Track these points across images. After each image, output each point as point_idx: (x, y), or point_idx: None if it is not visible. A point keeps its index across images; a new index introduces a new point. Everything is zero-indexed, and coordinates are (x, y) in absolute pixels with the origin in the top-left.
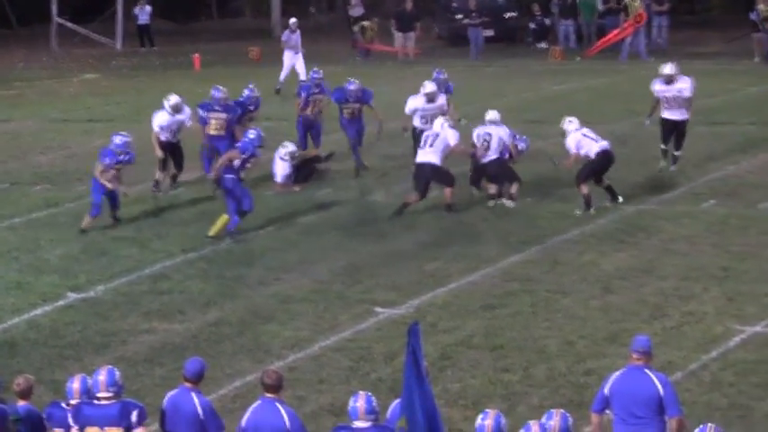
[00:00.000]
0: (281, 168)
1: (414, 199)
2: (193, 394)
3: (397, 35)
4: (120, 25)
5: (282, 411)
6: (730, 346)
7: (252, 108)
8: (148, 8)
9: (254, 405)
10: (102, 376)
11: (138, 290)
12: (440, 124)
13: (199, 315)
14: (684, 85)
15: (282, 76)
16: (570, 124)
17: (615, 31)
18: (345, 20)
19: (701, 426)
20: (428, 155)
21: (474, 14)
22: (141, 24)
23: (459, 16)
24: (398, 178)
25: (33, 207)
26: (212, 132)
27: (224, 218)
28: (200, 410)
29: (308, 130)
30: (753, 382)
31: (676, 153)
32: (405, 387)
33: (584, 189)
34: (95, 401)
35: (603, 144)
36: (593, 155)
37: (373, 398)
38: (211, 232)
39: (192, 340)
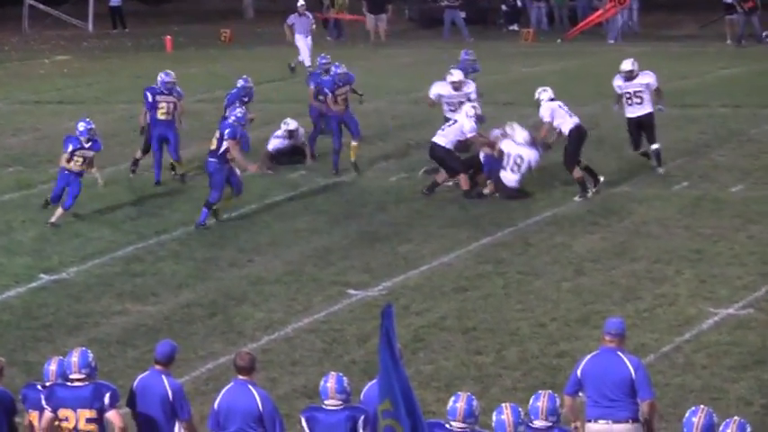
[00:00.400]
0: (272, 143)
1: (442, 178)
2: (164, 377)
3: (369, 17)
4: (92, 7)
5: (255, 393)
6: (703, 329)
7: (246, 99)
8: None
9: (227, 387)
10: (74, 358)
11: (110, 272)
12: (463, 113)
13: (171, 297)
14: (649, 80)
15: (303, 58)
16: (545, 93)
17: (598, 13)
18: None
19: (727, 420)
20: (439, 137)
21: None
22: (113, 6)
23: None
24: (371, 160)
25: (5, 189)
26: (161, 117)
27: (230, 200)
28: (169, 393)
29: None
30: (726, 365)
31: (654, 147)
32: (382, 369)
33: (577, 173)
34: (68, 383)
35: (576, 120)
36: (566, 132)
37: (344, 378)
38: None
39: (165, 322)
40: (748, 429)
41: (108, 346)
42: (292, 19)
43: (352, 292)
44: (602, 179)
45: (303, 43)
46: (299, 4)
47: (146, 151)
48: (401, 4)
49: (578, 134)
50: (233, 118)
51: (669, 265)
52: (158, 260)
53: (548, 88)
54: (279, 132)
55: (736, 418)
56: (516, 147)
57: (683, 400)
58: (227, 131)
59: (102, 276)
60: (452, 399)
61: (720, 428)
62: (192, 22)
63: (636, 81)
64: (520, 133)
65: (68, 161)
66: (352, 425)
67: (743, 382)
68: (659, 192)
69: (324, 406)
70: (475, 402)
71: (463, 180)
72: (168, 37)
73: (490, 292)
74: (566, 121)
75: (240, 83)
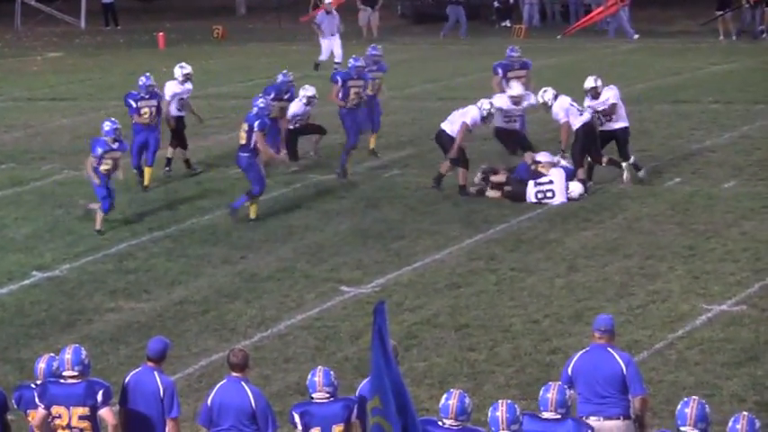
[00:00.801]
0: (293, 107)
1: (446, 168)
2: (156, 373)
3: (362, 12)
4: (84, 4)
5: (248, 390)
6: (696, 325)
7: (287, 97)
8: None
9: (220, 384)
10: (68, 355)
11: (103, 269)
12: (478, 104)
13: (164, 294)
14: (609, 93)
15: (323, 57)
16: (547, 93)
17: (599, 9)
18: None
19: (735, 416)
20: (447, 123)
21: None
22: (106, 3)
23: None
24: (364, 157)
25: None
26: (145, 122)
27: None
28: (161, 390)
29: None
30: (719, 361)
31: (630, 161)
32: (373, 367)
33: (580, 174)
34: (61, 380)
35: (585, 118)
36: (575, 128)
37: (331, 372)
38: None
39: (158, 319)
40: (757, 425)
41: (101, 343)
42: (320, 17)
43: (345, 288)
44: (624, 165)
45: (328, 43)
46: (326, 1)
47: (175, 146)
48: (393, 1)
49: (584, 132)
50: (256, 109)
51: (662, 261)
52: (151, 257)
53: (548, 88)
54: (300, 96)
55: (744, 413)
56: (560, 184)
57: (677, 397)
58: (256, 123)
59: (95, 273)
60: (445, 396)
61: (730, 424)
62: (185, 18)
63: (602, 98)
64: (576, 187)
65: (98, 165)
66: (348, 414)
67: (736, 379)
68: (652, 188)
69: (314, 400)
70: (467, 399)
71: (461, 174)
72: (161, 33)
73: (483, 289)
74: (576, 119)
75: (279, 77)
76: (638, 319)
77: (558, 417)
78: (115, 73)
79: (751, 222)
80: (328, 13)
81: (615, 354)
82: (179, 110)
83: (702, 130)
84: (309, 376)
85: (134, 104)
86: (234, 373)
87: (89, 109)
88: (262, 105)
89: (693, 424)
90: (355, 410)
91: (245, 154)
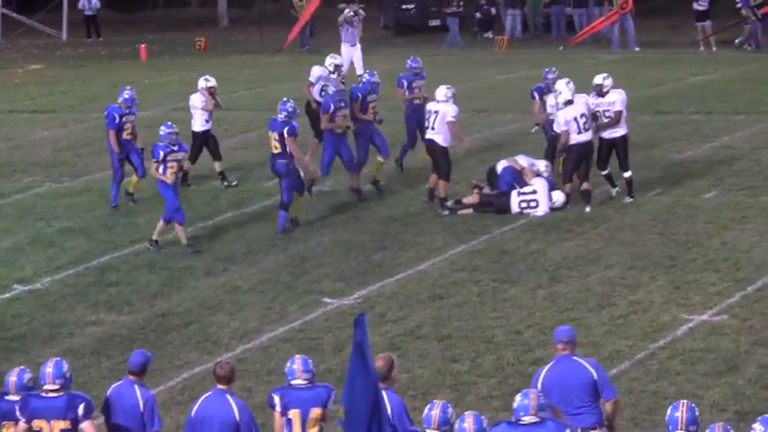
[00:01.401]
0: (315, 70)
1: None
2: (136, 387)
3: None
4: (66, 15)
5: (233, 403)
6: (677, 335)
7: (375, 95)
8: (96, 0)
9: (205, 396)
10: (49, 368)
11: (85, 281)
12: (441, 96)
13: (146, 306)
14: (617, 97)
15: (344, 66)
16: (560, 96)
17: (600, 20)
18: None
19: (711, 426)
20: (435, 134)
21: (454, 5)
22: (88, 15)
23: (406, 6)
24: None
25: None
26: (127, 137)
27: (299, 200)
28: (141, 404)
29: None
30: (700, 371)
31: (626, 175)
32: (348, 379)
33: (567, 188)
34: (42, 394)
35: (585, 137)
36: (571, 142)
37: (309, 360)
38: (296, 213)
39: (140, 332)
40: (696, 413)
41: (82, 356)
42: (341, 26)
43: (327, 300)
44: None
45: (348, 53)
46: (345, 12)
47: (219, 158)
48: (376, 12)
49: (579, 150)
50: (284, 114)
51: (643, 271)
52: (133, 269)
53: (563, 91)
54: (323, 74)
55: (720, 423)
56: (544, 194)
57: (658, 407)
58: (286, 129)
59: (77, 286)
60: (428, 407)
61: (669, 411)
62: (167, 30)
63: (607, 98)
64: (558, 196)
65: (164, 171)
66: (327, 398)
67: (717, 389)
68: (633, 199)
69: (291, 384)
70: (450, 410)
71: (442, 186)
72: (143, 45)
73: (465, 300)
74: (575, 136)
75: (366, 77)
76: (620, 329)
77: (538, 420)
78: (97, 85)
79: (731, 232)
80: (348, 23)
81: (582, 361)
82: (207, 121)
83: (683, 140)
84: (288, 364)
85: (117, 119)
86: (219, 386)
87: (71, 121)
88: (290, 110)
89: (685, 427)
90: (333, 396)
91: (283, 160)
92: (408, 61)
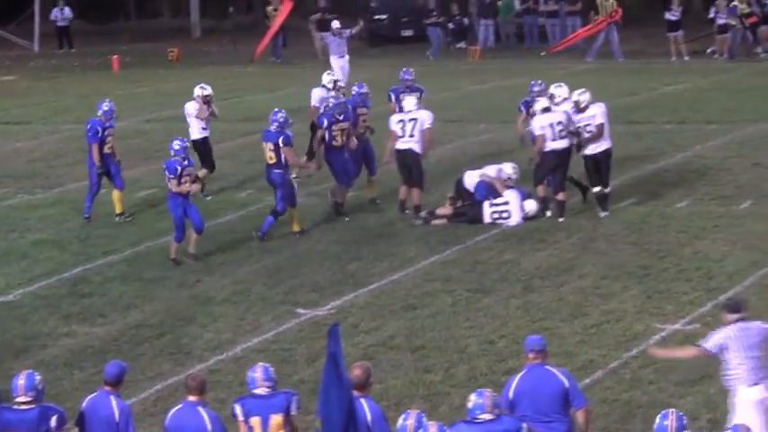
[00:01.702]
0: (315, 93)
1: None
2: (112, 398)
3: (316, 35)
4: (38, 26)
5: (204, 415)
6: (650, 344)
7: (365, 109)
8: (68, 10)
9: (177, 408)
10: (21, 380)
11: (58, 293)
12: (412, 104)
13: (119, 318)
14: (597, 111)
15: (340, 77)
16: (539, 103)
17: (586, 28)
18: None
19: (663, 412)
20: (413, 143)
21: (434, 14)
22: (60, 26)
23: (379, 17)
24: (319, 179)
25: None
26: (108, 150)
27: (292, 212)
28: (117, 415)
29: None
30: (672, 380)
31: (605, 191)
32: (322, 390)
33: (540, 191)
34: (15, 406)
35: (561, 144)
36: (546, 149)
37: (271, 368)
38: (293, 228)
39: (113, 343)
40: (685, 421)
41: (55, 368)
42: (328, 38)
43: (301, 311)
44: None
45: (337, 64)
46: (333, 24)
47: (211, 169)
48: (349, 22)
49: (555, 158)
50: (276, 124)
51: (616, 281)
52: (106, 281)
53: (541, 99)
54: (326, 82)
55: (672, 410)
56: (516, 205)
57: (631, 416)
58: (280, 139)
59: (50, 298)
60: (402, 416)
61: (657, 420)
62: (139, 41)
63: (587, 113)
64: (530, 204)
65: (180, 184)
66: (287, 405)
67: (690, 398)
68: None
69: (253, 393)
70: (425, 420)
71: (416, 194)
72: (115, 56)
73: (439, 310)
74: (550, 143)
75: (355, 89)
76: (593, 338)
77: (494, 417)
78: (70, 96)
79: (704, 242)
80: (336, 35)
81: (554, 370)
82: (204, 128)
83: (656, 150)
84: (249, 373)
85: (100, 133)
86: (191, 397)
87: (44, 132)
88: (282, 120)
89: None
90: (295, 403)
91: (279, 170)
92: (401, 73)
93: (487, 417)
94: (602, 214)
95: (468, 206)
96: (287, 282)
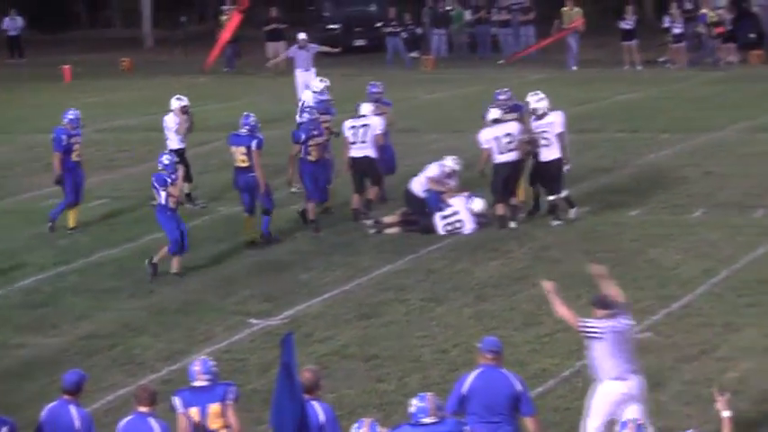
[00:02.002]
0: (308, 96)
1: (374, 194)
2: (72, 406)
3: (268, 44)
4: None
5: (154, 425)
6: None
7: (329, 117)
8: (19, 19)
9: (127, 419)
10: None
11: (9, 303)
12: (367, 111)
13: (71, 328)
14: (557, 119)
15: (300, 95)
16: (490, 113)
17: (546, 38)
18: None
19: (623, 421)
20: (366, 149)
21: (393, 23)
22: (11, 35)
23: (331, 26)
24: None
25: None
26: (76, 159)
27: (246, 218)
28: (77, 423)
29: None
30: None
31: (559, 196)
32: (275, 400)
33: (500, 210)
34: None
35: (508, 157)
36: (494, 162)
37: (210, 361)
38: (247, 237)
39: (65, 354)
40: (644, 429)
41: (6, 379)
42: (293, 51)
43: (253, 321)
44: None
45: (303, 79)
46: (299, 36)
47: (189, 179)
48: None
49: (507, 169)
50: (247, 128)
51: (569, 289)
52: (58, 292)
53: (493, 109)
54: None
55: (631, 418)
56: (465, 211)
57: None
58: (255, 143)
59: (2, 309)
60: (355, 425)
61: (617, 430)
62: (91, 51)
63: (545, 120)
64: (477, 203)
65: (167, 199)
66: (224, 394)
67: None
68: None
69: (193, 385)
70: (378, 428)
71: (374, 192)
72: (67, 66)
73: (392, 320)
74: (497, 156)
75: (317, 96)
76: (546, 347)
77: (438, 420)
78: (21, 106)
79: (656, 250)
80: (302, 48)
81: (508, 374)
82: (182, 140)
83: (609, 158)
84: (189, 367)
85: (65, 141)
86: (142, 408)
87: None
88: (253, 123)
89: None
90: (231, 393)
91: (252, 174)
92: (368, 86)
93: (431, 420)
94: (555, 223)
95: (418, 215)
96: (239, 292)
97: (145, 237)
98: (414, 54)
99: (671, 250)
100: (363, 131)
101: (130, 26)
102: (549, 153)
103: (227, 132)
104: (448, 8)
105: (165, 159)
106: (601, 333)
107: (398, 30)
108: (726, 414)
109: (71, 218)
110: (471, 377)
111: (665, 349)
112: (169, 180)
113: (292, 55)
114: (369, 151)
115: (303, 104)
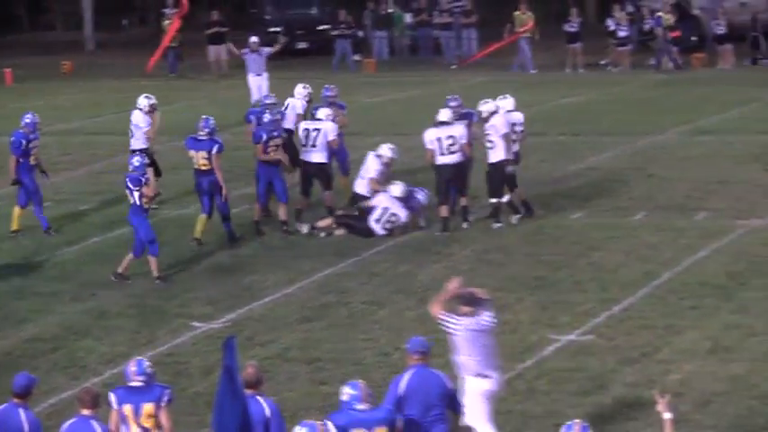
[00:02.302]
0: (295, 104)
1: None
2: (21, 410)
3: (209, 48)
4: None
5: (97, 428)
6: (545, 355)
7: (277, 118)
8: None
9: (71, 421)
10: None
11: None
12: (323, 115)
13: (13, 332)
14: (497, 121)
15: (254, 97)
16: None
17: (498, 42)
18: (159, 33)
19: (568, 423)
20: (316, 153)
21: (343, 25)
22: None
23: (274, 29)
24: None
25: None
26: (33, 162)
27: (203, 218)
28: (26, 427)
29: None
30: (567, 390)
31: (502, 202)
32: (217, 404)
33: (444, 211)
34: None
35: (448, 159)
36: (436, 163)
37: (145, 362)
38: (196, 234)
39: (7, 357)
40: (590, 430)
41: None
42: (246, 55)
43: (196, 324)
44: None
45: (255, 84)
46: (251, 40)
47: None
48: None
49: (450, 171)
50: (207, 130)
51: (511, 292)
52: (0, 295)
53: (444, 111)
54: (303, 95)
55: (577, 420)
56: (391, 202)
57: (526, 427)
58: (216, 147)
59: None
60: (298, 428)
61: (562, 430)
62: (32, 54)
63: (489, 123)
64: (396, 188)
65: (140, 201)
66: (159, 395)
67: (585, 407)
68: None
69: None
70: (319, 430)
71: (329, 197)
72: (8, 69)
73: (335, 322)
74: (437, 157)
75: (260, 100)
76: None
77: (369, 407)
78: None
79: (598, 253)
80: (254, 51)
81: (439, 373)
82: (147, 141)
83: (550, 162)
84: (125, 368)
85: (24, 145)
86: (84, 411)
87: None
88: (213, 126)
89: None
90: (166, 395)
91: (214, 177)
92: (322, 90)
93: (365, 407)
94: (496, 225)
95: (354, 218)
96: (182, 295)
97: (87, 239)
98: (356, 57)
99: (613, 253)
100: (315, 135)
101: (72, 29)
102: (494, 155)
103: (168, 137)
104: (389, 11)
105: (136, 161)
106: (457, 329)
107: (347, 32)
108: (667, 416)
109: (15, 220)
110: (406, 378)
111: (607, 352)
112: (143, 180)
113: (245, 58)
114: (319, 156)
115: (285, 108)
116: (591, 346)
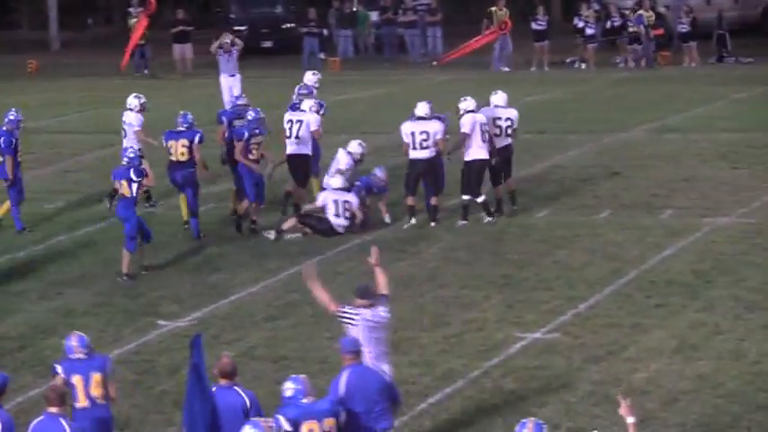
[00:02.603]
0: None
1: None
2: None
3: (174, 47)
4: None
5: (65, 426)
6: (511, 353)
7: (254, 124)
8: None
9: (38, 419)
10: None
11: None
12: (306, 107)
13: None
14: (465, 120)
15: (226, 102)
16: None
17: (475, 39)
18: (125, 32)
19: (522, 421)
20: (300, 146)
21: (312, 24)
22: None
23: (238, 28)
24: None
25: None
26: (19, 159)
27: (184, 197)
28: None
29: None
30: (533, 388)
31: (465, 198)
32: (186, 402)
33: (410, 201)
34: None
35: (421, 154)
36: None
37: (86, 337)
38: (185, 216)
39: None
40: (544, 429)
41: None
42: (219, 55)
43: (162, 322)
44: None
45: (227, 84)
46: (225, 39)
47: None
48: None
49: (423, 167)
50: (186, 125)
51: (477, 290)
52: None
53: (422, 103)
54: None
55: (531, 418)
56: (336, 194)
57: (493, 425)
58: (196, 137)
59: None
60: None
61: (516, 429)
62: None
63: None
64: (335, 181)
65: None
66: (104, 366)
67: (550, 406)
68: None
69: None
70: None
71: (302, 194)
72: None
73: (300, 321)
74: (410, 151)
75: (251, 114)
76: (454, 348)
77: (313, 400)
78: None
79: (563, 251)
80: (226, 52)
81: (374, 368)
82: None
83: (515, 160)
84: (65, 341)
85: (13, 143)
86: (52, 409)
87: None
88: (191, 120)
89: None
90: (110, 365)
91: (192, 169)
92: (296, 88)
93: (309, 400)
94: (460, 223)
95: (315, 219)
96: (148, 293)
97: (53, 238)
98: (321, 55)
99: (578, 251)
100: (298, 127)
101: (38, 29)
102: (469, 153)
103: None
104: (354, 9)
105: (131, 153)
106: (354, 321)
107: (316, 30)
108: (630, 420)
109: (3, 210)
110: (344, 378)
111: (573, 350)
112: (144, 171)
113: (218, 57)
114: (302, 148)
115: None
116: (557, 344)
